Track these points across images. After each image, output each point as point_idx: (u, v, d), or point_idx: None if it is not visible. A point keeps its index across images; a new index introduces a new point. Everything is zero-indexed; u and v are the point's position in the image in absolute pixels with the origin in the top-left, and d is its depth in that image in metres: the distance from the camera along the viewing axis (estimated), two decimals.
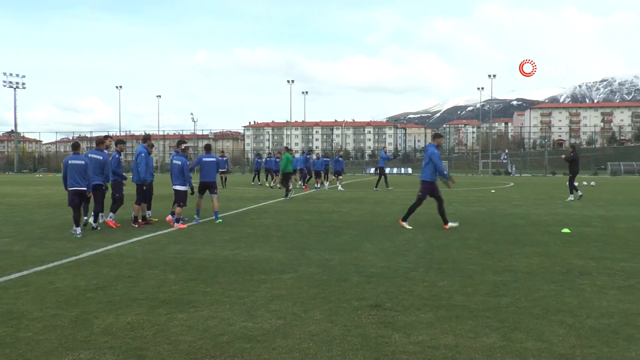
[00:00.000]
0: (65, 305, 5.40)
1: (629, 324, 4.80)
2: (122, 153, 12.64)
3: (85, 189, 10.64)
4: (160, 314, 5.09)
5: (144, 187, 12.34)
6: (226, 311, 5.20)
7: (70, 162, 10.62)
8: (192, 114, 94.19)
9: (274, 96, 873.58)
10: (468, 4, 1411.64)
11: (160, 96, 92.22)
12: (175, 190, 12.06)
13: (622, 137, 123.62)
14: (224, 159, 29.23)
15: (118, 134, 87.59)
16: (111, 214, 11.97)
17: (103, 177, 11.61)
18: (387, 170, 36.40)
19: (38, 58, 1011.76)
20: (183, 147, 12.44)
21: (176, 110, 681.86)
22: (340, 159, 29.09)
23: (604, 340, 4.38)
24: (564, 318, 4.98)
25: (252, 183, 32.72)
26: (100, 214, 11.97)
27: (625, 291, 6.00)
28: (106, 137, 12.47)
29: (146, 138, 12.73)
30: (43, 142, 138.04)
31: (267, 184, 30.38)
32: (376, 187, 26.13)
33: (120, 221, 12.27)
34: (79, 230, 10.37)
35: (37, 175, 60.92)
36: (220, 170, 20.12)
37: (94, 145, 11.91)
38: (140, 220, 12.16)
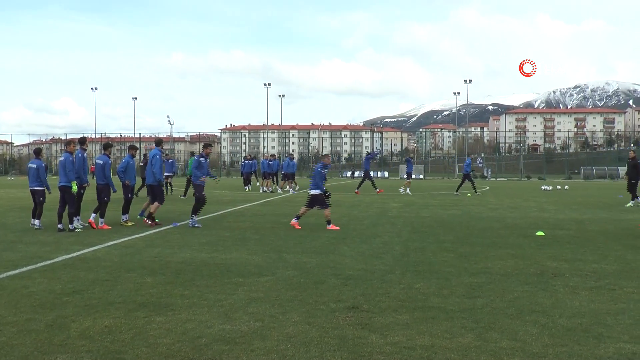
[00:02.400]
0: (40, 310, 5.34)
1: (599, 323, 4.93)
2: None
3: (40, 188, 12.11)
4: (138, 317, 5.07)
5: (162, 187, 12.93)
6: (204, 314, 5.21)
7: (28, 165, 12.55)
8: (168, 116, 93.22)
9: (250, 99, 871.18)
10: (443, 10, 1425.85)
11: (136, 98, 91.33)
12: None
13: (595, 143, 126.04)
14: (170, 161, 24.31)
15: (93, 136, 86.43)
16: (101, 219, 12.09)
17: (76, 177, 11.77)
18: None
19: (8, 58, 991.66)
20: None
21: (152, 112, 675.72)
22: (292, 161, 28.23)
23: (576, 339, 4.49)
24: (538, 318, 5.09)
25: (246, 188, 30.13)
26: (75, 217, 11.86)
27: (596, 292, 6.15)
28: (83, 138, 12.90)
29: (159, 142, 13.52)
30: (15, 144, 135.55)
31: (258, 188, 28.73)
32: (476, 191, 25.76)
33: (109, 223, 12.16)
34: (37, 222, 11.96)
35: (9, 178, 59.78)
36: (165, 174, 19.79)
37: (68, 147, 12.04)
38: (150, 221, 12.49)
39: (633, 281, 6.72)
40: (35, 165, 12.22)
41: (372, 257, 8.35)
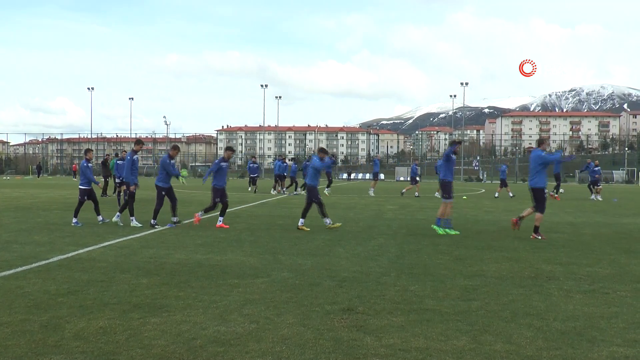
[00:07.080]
0: (35, 310, 5.33)
1: (593, 327, 4.95)
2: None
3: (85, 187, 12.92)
4: (133, 319, 5.07)
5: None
6: (199, 315, 5.20)
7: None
8: (164, 117, 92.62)
9: (247, 100, 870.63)
10: (439, 13, 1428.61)
11: (132, 98, 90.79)
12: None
13: (590, 146, 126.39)
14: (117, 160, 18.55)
15: (89, 137, 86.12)
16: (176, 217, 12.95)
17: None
18: (359, 175, 35.86)
19: (5, 57, 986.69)
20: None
21: (149, 112, 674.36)
22: (253, 164, 28.95)
23: (569, 342, 4.51)
24: (532, 321, 5.11)
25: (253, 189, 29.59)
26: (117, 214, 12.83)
27: (590, 295, 6.18)
28: (139, 141, 13.48)
29: (228, 148, 14.02)
30: (11, 144, 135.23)
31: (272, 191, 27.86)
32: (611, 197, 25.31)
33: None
34: (100, 218, 12.95)
35: (4, 178, 59.60)
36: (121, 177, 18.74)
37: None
38: None
39: (626, 285, 6.75)
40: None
41: (368, 259, 8.36)
